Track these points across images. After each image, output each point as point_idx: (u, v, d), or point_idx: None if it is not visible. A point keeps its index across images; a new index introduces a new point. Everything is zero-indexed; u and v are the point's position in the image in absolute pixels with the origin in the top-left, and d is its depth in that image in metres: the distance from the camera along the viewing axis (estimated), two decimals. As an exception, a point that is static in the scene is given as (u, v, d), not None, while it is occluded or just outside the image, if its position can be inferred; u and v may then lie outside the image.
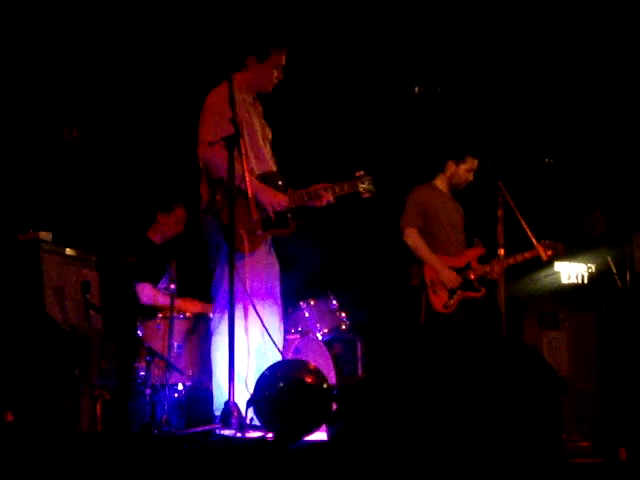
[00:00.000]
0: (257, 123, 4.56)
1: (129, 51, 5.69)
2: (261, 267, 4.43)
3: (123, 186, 5.45)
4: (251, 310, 4.26)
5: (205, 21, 5.81)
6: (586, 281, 6.29)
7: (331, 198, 4.56)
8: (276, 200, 4.38)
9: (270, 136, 4.68)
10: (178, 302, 5.24)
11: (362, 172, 4.66)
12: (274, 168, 4.58)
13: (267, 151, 4.59)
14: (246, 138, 4.35)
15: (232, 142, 4.05)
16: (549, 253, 5.66)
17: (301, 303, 5.43)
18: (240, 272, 4.16)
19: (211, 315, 4.78)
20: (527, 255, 5.63)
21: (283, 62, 4.56)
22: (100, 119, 5.22)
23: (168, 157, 6.02)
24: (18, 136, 5.14)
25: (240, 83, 4.49)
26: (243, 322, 4.26)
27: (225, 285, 4.11)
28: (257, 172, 4.42)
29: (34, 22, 5.32)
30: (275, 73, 4.54)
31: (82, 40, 5.47)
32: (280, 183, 4.48)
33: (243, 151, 4.09)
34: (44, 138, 5.01)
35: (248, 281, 4.27)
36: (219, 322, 4.34)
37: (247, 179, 4.07)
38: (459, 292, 5.71)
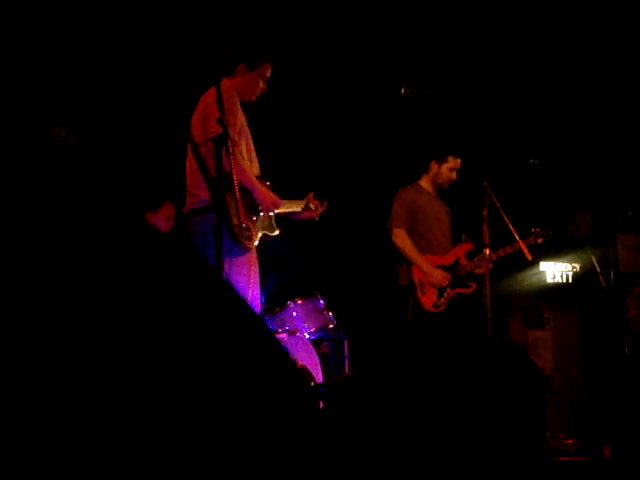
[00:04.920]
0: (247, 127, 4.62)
1: (118, 53, 5.69)
2: (255, 264, 4.46)
3: (112, 186, 5.45)
4: None
5: (199, 25, 5.83)
6: (571, 280, 6.34)
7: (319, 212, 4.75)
8: (271, 202, 4.44)
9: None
10: None
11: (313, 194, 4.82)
12: (260, 173, 4.66)
13: (256, 156, 4.67)
14: (243, 140, 4.46)
15: (220, 142, 4.07)
16: (539, 240, 5.66)
17: (288, 302, 5.44)
18: (244, 266, 4.22)
19: None
20: (514, 247, 5.61)
21: (268, 74, 4.64)
22: (88, 119, 5.23)
23: (154, 157, 6.01)
24: (5, 136, 5.13)
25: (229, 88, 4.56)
26: None
27: (238, 276, 4.21)
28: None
29: (23, 23, 5.31)
30: (260, 84, 4.62)
31: (72, 40, 5.46)
32: (268, 184, 4.55)
33: (231, 150, 4.11)
34: (32, 138, 5.01)
35: (252, 274, 4.31)
36: None
37: (235, 178, 4.09)
38: (448, 290, 5.73)
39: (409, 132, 6.57)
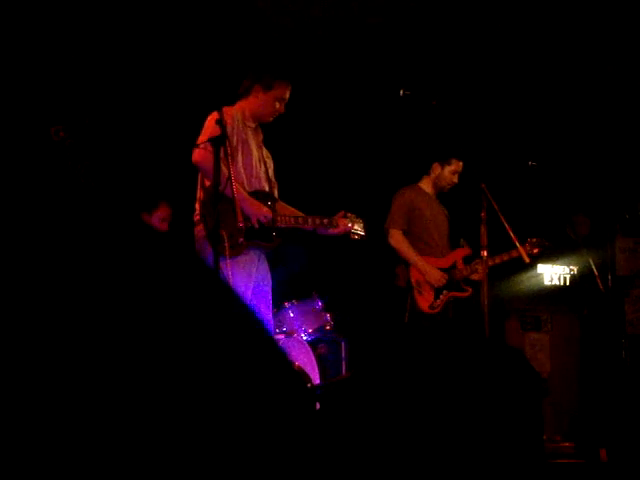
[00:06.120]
0: (254, 145, 4.67)
1: (116, 54, 5.69)
2: (243, 273, 4.47)
3: (110, 187, 5.44)
4: None
5: (203, 39, 5.85)
6: (568, 283, 6.33)
7: (348, 227, 4.78)
8: (260, 212, 4.47)
9: (270, 163, 4.81)
10: None
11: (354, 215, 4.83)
12: (267, 189, 4.69)
13: (262, 173, 4.70)
14: (239, 156, 4.51)
15: (218, 142, 4.10)
16: (535, 251, 5.68)
17: (286, 303, 5.44)
18: (223, 274, 4.23)
19: None
20: (511, 255, 5.62)
21: (286, 97, 4.70)
22: (86, 119, 5.22)
23: (151, 158, 6.01)
24: (3, 136, 5.13)
25: (244, 109, 4.66)
26: None
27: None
28: (248, 189, 4.53)
29: (23, 23, 5.31)
30: (277, 105, 4.66)
31: (71, 40, 5.46)
32: (269, 203, 4.59)
33: (229, 151, 4.14)
34: (30, 138, 5.01)
35: (239, 281, 4.33)
36: None
37: (232, 181, 4.12)
38: (445, 292, 5.73)
39: (409, 134, 6.57)
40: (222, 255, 4.29)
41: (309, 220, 4.73)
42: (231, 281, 4.33)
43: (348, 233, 4.78)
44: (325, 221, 4.73)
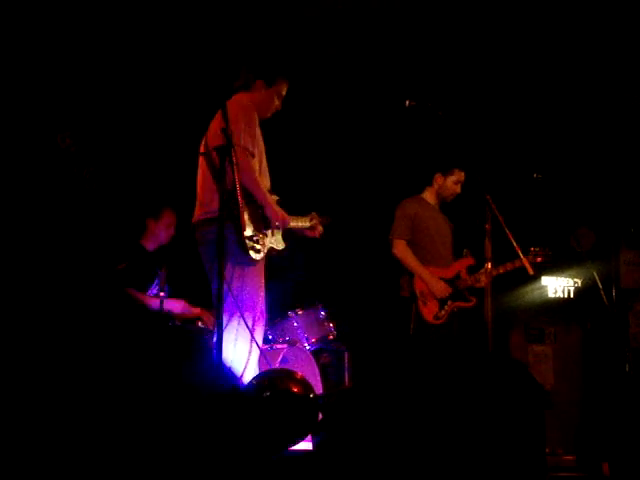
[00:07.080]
0: (261, 141, 4.65)
1: (123, 61, 5.70)
2: (260, 276, 4.44)
3: (115, 193, 5.45)
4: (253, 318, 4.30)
5: (212, 37, 5.85)
6: (572, 296, 6.33)
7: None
8: (282, 218, 4.45)
9: None
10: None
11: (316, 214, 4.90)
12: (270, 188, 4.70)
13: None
14: (256, 153, 4.47)
15: (224, 152, 4.06)
16: (538, 260, 5.68)
17: (289, 313, 5.44)
18: (255, 276, 4.25)
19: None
20: (515, 264, 5.60)
21: (284, 93, 4.68)
22: (93, 126, 5.24)
23: (156, 164, 6.02)
24: (9, 143, 5.14)
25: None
26: (250, 329, 4.23)
27: (249, 287, 4.25)
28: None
29: (31, 30, 5.33)
30: (276, 102, 4.64)
31: (78, 48, 5.48)
32: (277, 199, 4.60)
33: (234, 160, 4.10)
34: (36, 145, 5.02)
35: (262, 285, 4.35)
36: (237, 326, 4.27)
37: (237, 188, 4.07)
38: (449, 303, 5.72)
39: (413, 145, 6.58)
40: (249, 258, 4.23)
41: (298, 222, 4.76)
42: (257, 283, 4.32)
43: (320, 236, 4.85)
44: (308, 225, 4.79)
